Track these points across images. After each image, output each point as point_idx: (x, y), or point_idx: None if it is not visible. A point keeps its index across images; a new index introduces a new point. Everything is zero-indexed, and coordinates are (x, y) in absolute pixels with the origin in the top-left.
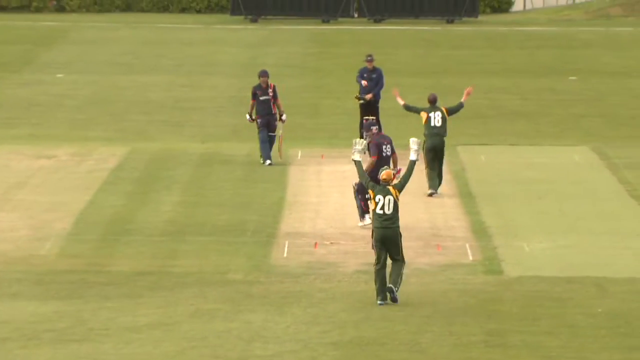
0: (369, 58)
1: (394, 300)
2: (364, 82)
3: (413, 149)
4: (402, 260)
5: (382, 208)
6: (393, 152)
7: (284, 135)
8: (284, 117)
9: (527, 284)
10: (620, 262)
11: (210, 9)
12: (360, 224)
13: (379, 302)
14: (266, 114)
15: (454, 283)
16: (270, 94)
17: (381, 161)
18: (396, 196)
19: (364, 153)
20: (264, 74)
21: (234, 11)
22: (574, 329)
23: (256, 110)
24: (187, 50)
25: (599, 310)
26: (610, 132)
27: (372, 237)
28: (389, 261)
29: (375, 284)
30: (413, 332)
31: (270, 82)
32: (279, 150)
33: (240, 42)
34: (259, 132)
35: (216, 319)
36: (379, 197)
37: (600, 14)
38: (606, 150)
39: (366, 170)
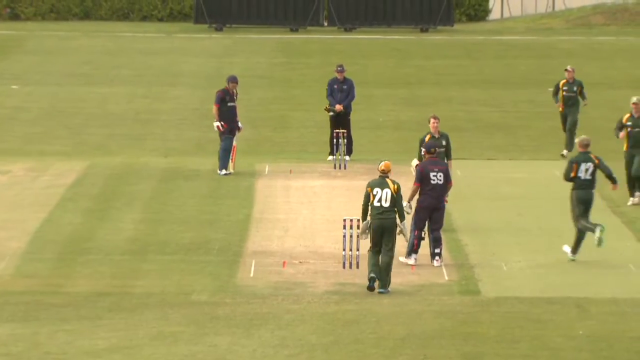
0: (339, 68)
1: (385, 288)
2: (337, 107)
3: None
4: (392, 251)
5: (380, 201)
6: (448, 180)
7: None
8: (240, 125)
9: (505, 304)
10: (602, 282)
11: (172, 17)
12: (402, 259)
13: (371, 275)
14: (232, 121)
15: (429, 304)
16: (236, 100)
17: (425, 189)
18: (394, 190)
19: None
20: (235, 80)
21: (198, 19)
22: (554, 352)
23: (221, 116)
24: (149, 60)
25: (580, 332)
26: (592, 146)
27: (369, 228)
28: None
29: (368, 266)
30: (386, 355)
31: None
32: (232, 160)
33: (204, 51)
34: (222, 140)
35: (180, 342)
36: (376, 189)
37: (581, 22)
38: None
39: (409, 199)
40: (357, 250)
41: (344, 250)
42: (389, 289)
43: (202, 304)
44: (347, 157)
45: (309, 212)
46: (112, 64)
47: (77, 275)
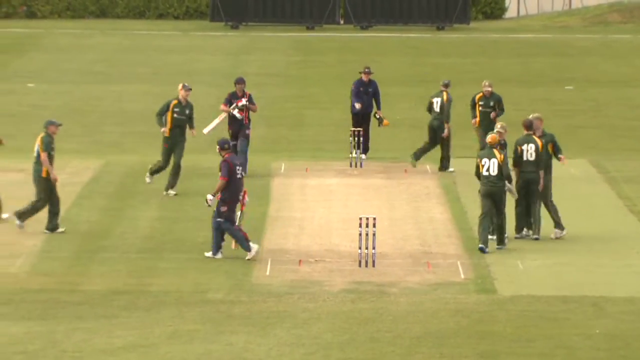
0: (366, 70)
1: (503, 244)
2: (357, 105)
3: None
4: (503, 214)
5: (488, 170)
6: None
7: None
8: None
9: (521, 303)
10: (618, 281)
11: (188, 14)
12: (208, 254)
13: (480, 245)
14: (238, 124)
15: (445, 302)
16: (245, 101)
17: (231, 184)
18: (500, 160)
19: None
20: (241, 81)
21: (214, 17)
22: (570, 351)
23: (229, 120)
24: (165, 58)
25: (597, 331)
26: (609, 144)
27: (478, 193)
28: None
29: (478, 231)
30: (402, 354)
31: (246, 90)
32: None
33: (220, 49)
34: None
35: (196, 340)
36: (484, 160)
37: (598, 20)
38: (604, 163)
39: (216, 193)
40: (373, 248)
41: (360, 248)
42: (506, 245)
43: (218, 303)
44: (363, 156)
45: (325, 211)
46: (128, 62)
47: (93, 274)
